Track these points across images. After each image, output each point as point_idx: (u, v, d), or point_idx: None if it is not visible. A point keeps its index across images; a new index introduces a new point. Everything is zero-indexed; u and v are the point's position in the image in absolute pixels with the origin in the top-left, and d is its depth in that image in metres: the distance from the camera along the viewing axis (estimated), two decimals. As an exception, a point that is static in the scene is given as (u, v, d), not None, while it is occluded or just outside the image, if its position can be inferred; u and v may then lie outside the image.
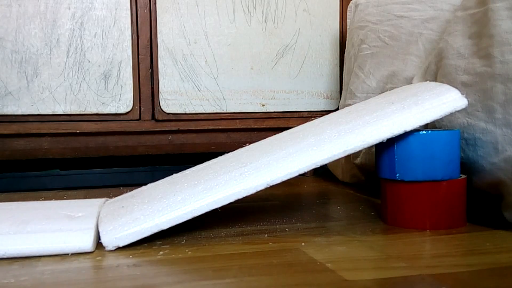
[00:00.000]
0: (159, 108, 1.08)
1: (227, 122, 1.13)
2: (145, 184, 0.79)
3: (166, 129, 1.09)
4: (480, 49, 0.65)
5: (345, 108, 0.82)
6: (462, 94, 0.64)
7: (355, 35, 1.01)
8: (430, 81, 0.75)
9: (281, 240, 0.60)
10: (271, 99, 1.16)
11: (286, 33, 1.16)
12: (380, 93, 0.88)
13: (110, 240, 0.57)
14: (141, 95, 1.07)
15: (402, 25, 0.88)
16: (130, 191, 0.80)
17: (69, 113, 1.03)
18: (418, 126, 0.62)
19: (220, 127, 1.12)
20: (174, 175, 0.77)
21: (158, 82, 1.07)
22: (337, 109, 1.17)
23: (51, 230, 0.59)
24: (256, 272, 0.48)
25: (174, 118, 1.09)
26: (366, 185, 0.99)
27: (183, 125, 1.09)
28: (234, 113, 1.13)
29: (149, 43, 1.07)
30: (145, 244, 0.59)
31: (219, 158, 0.76)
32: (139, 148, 1.08)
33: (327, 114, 0.81)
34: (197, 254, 0.55)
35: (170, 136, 1.10)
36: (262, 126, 1.15)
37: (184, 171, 0.76)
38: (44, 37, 1.01)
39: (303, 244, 0.58)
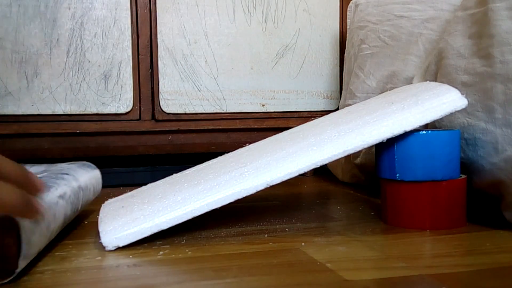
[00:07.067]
0: (159, 108, 1.08)
1: (227, 122, 1.13)
2: (145, 184, 0.79)
3: (166, 129, 1.08)
4: (480, 49, 0.65)
5: (345, 108, 0.82)
6: (462, 94, 0.64)
7: (355, 35, 1.01)
8: (430, 81, 0.75)
9: (281, 240, 0.60)
10: (271, 99, 1.16)
11: (286, 33, 1.16)
12: (380, 93, 0.88)
13: (110, 240, 0.57)
14: (141, 95, 1.07)
15: (402, 25, 0.88)
16: (130, 191, 0.80)
17: (69, 113, 1.03)
18: (418, 126, 0.62)
19: (220, 127, 1.12)
20: (174, 175, 0.77)
21: (158, 82, 1.07)
22: (337, 109, 1.17)
23: None
24: (256, 272, 0.48)
25: (174, 118, 1.09)
26: (366, 185, 0.99)
27: (183, 125, 1.09)
28: (234, 113, 1.13)
29: (149, 43, 1.07)
30: (145, 244, 0.59)
31: (219, 158, 0.76)
32: (139, 148, 1.08)
33: (327, 114, 0.81)
34: (197, 254, 0.55)
35: (170, 136, 1.10)
36: (262, 126, 1.15)
37: (184, 171, 0.76)
38: (44, 37, 1.01)
39: (303, 244, 0.58)
